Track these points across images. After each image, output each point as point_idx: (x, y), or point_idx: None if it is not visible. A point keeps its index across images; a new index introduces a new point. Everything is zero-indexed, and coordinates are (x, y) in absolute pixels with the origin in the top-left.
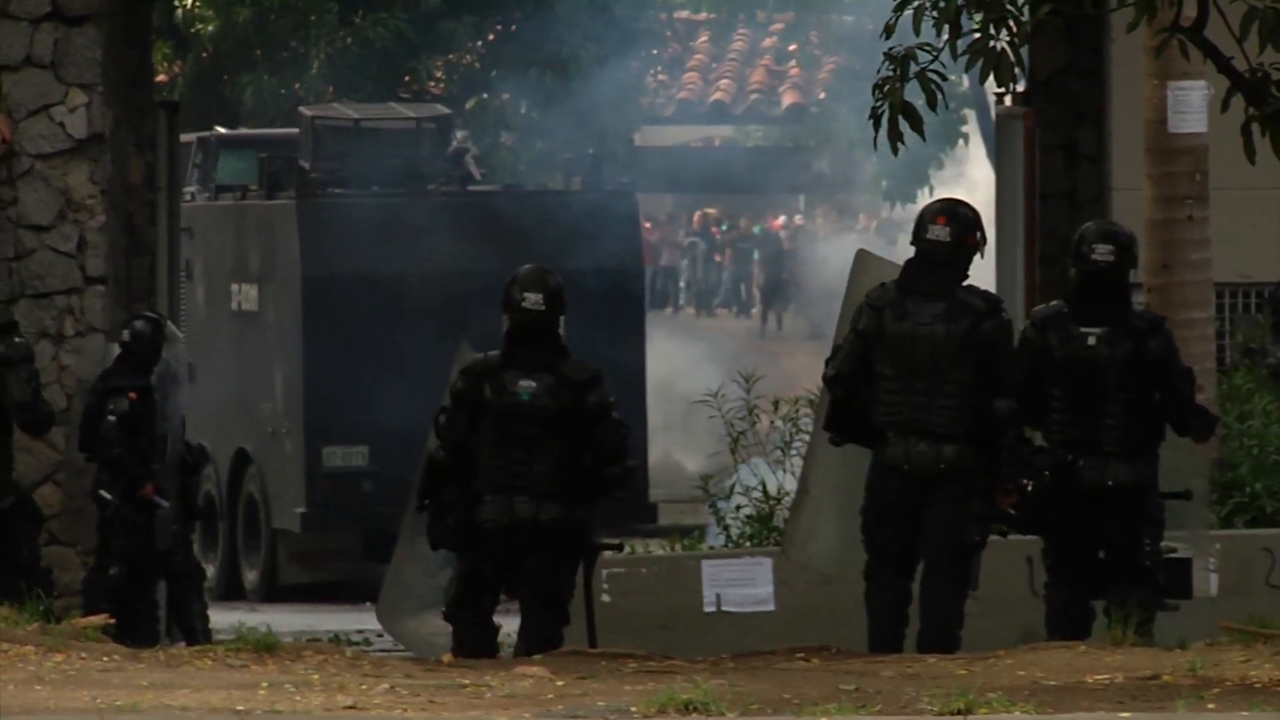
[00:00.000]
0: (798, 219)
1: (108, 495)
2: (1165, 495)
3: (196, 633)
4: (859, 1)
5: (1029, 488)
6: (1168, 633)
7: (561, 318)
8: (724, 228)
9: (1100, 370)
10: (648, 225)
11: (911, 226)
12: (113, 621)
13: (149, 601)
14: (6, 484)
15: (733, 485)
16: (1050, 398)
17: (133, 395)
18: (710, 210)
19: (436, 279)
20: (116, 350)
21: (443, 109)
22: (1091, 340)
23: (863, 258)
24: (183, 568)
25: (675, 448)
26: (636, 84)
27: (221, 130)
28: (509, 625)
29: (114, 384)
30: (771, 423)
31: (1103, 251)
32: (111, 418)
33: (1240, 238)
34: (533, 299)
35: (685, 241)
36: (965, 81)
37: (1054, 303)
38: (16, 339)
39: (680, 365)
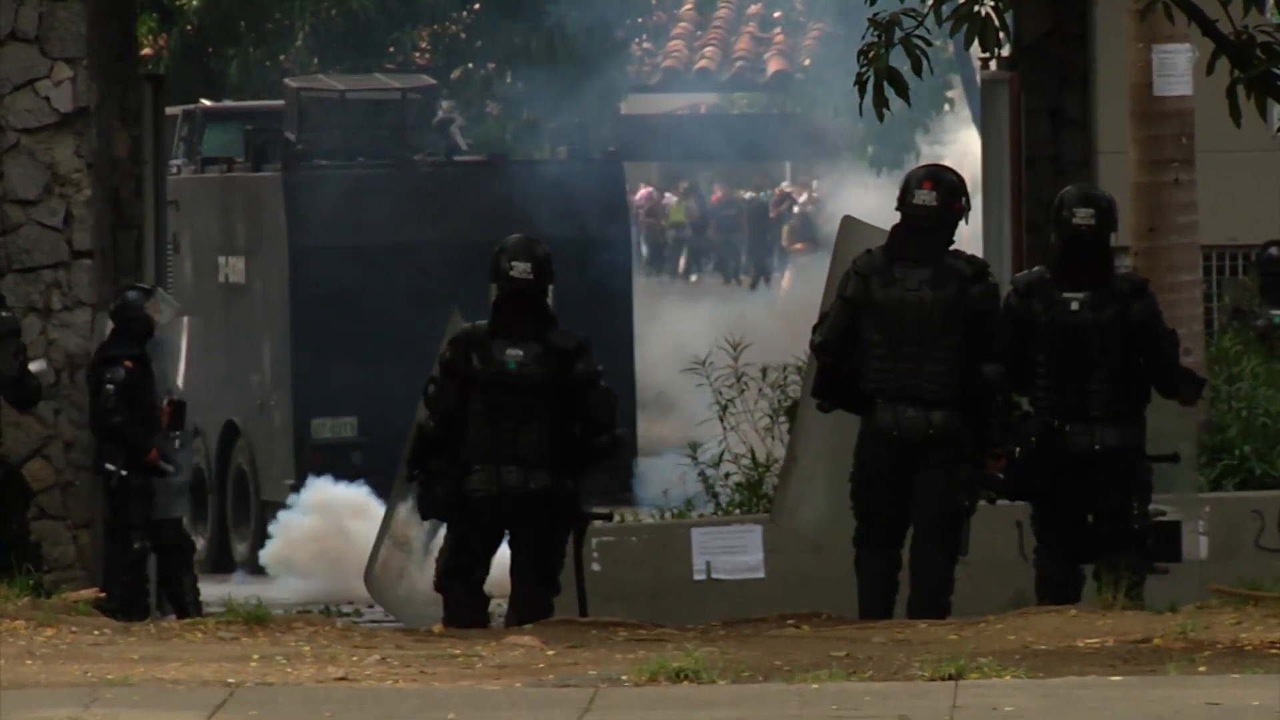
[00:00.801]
0: (814, 185)
1: (111, 467)
2: (1153, 458)
3: (187, 605)
4: None
5: (1016, 454)
6: (1158, 596)
7: (550, 287)
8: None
9: (1084, 335)
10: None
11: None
12: (103, 596)
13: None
14: None
15: (721, 453)
16: (1035, 364)
17: (129, 364)
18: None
19: (423, 250)
20: (110, 324)
21: (428, 79)
22: (1075, 305)
23: (849, 224)
24: (173, 540)
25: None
26: (622, 52)
27: (207, 103)
28: (499, 594)
29: (109, 354)
30: (760, 390)
31: (1084, 215)
32: (110, 387)
33: (1227, 200)
34: (520, 268)
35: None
36: (950, 47)
37: (1036, 269)
38: (3, 313)
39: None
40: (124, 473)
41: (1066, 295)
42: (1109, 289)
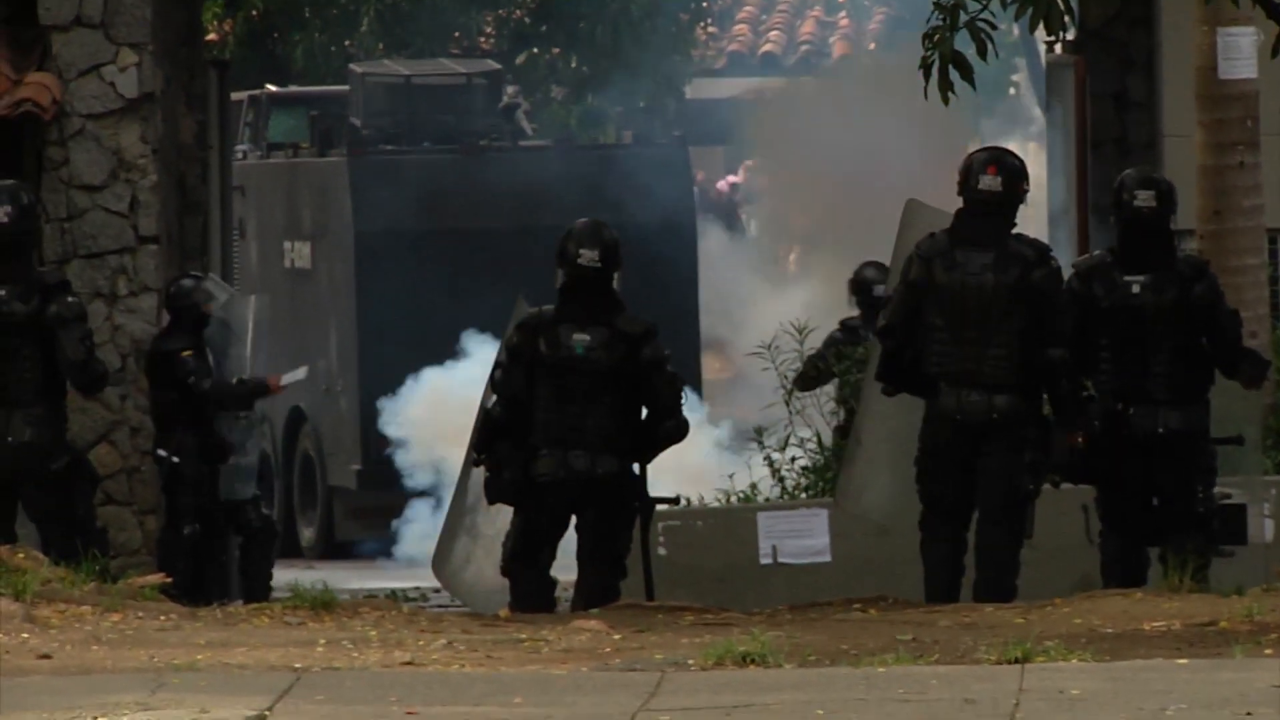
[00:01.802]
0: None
1: (163, 454)
2: (1217, 440)
3: (257, 591)
4: None
5: (1081, 438)
6: (1224, 579)
7: (616, 273)
8: None
9: (1146, 317)
10: None
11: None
12: (169, 580)
13: (218, 559)
14: (61, 444)
15: (787, 437)
16: (1097, 347)
17: (187, 353)
18: None
19: (488, 235)
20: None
21: (493, 64)
22: (1136, 288)
23: (913, 207)
24: (252, 523)
25: None
26: (687, 36)
27: (272, 88)
28: (565, 579)
29: (167, 346)
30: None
31: (1145, 198)
32: (190, 380)
33: None
34: (588, 255)
35: None
36: (1015, 30)
37: (1097, 252)
38: (70, 298)
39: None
40: (175, 459)
41: (1128, 278)
42: (1170, 271)
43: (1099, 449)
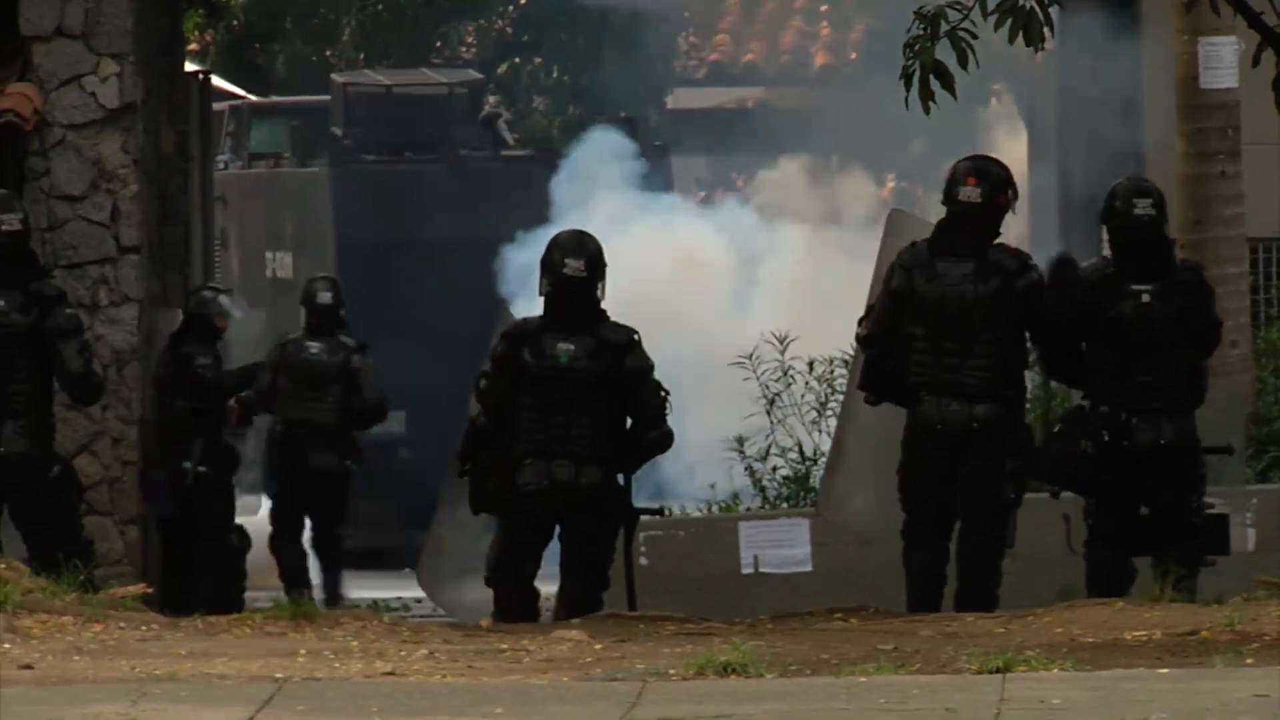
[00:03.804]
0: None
1: (188, 464)
2: (1207, 450)
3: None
4: None
5: (1088, 449)
6: (1205, 589)
7: (601, 283)
8: None
9: (1155, 327)
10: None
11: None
12: (150, 591)
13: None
14: (51, 452)
15: (768, 447)
16: (1096, 357)
17: (206, 361)
18: None
19: (470, 245)
20: (177, 320)
21: (474, 74)
22: (1145, 298)
23: (897, 217)
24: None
25: None
26: (668, 46)
27: (254, 98)
28: (548, 590)
29: (181, 354)
30: (806, 383)
31: (1143, 206)
32: (200, 369)
33: (1273, 192)
34: (573, 265)
35: None
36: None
37: (1096, 260)
38: (67, 310)
39: None
40: (201, 468)
41: (1135, 288)
42: (1173, 280)
43: (1100, 459)
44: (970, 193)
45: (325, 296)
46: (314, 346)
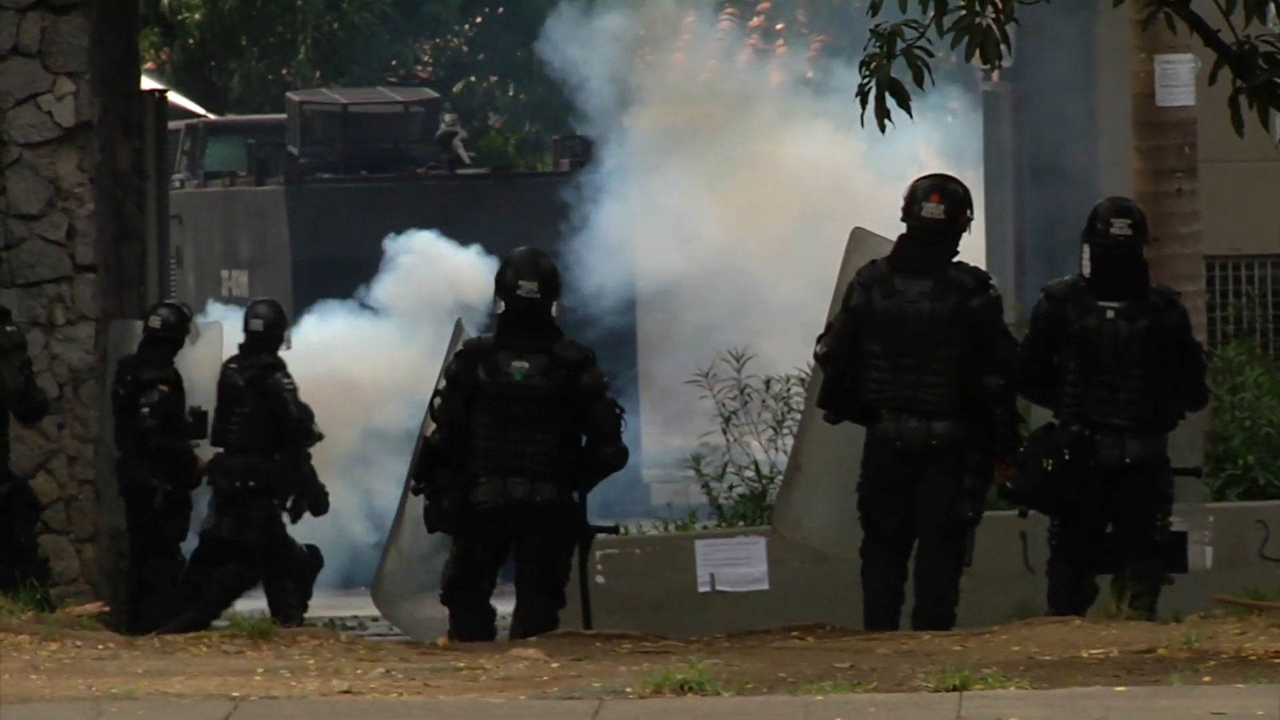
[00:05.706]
0: None
1: (156, 483)
2: (1176, 471)
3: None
4: None
5: (1049, 467)
6: (1162, 607)
7: (555, 301)
8: None
9: (1120, 344)
10: None
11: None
12: (107, 609)
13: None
14: (3, 472)
15: (725, 464)
16: (1065, 373)
17: (164, 388)
18: None
19: None
20: (138, 337)
21: (430, 92)
22: (1110, 314)
23: (858, 235)
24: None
25: None
26: (624, 65)
27: (210, 116)
28: (504, 608)
29: (144, 376)
30: (763, 401)
31: (1120, 225)
32: (145, 410)
33: (1229, 210)
34: (527, 286)
35: None
36: (953, 58)
37: (1069, 277)
38: (9, 328)
39: None
40: (169, 487)
41: (1102, 304)
42: (1143, 300)
43: (1063, 477)
44: (934, 209)
45: (255, 324)
46: (231, 366)
